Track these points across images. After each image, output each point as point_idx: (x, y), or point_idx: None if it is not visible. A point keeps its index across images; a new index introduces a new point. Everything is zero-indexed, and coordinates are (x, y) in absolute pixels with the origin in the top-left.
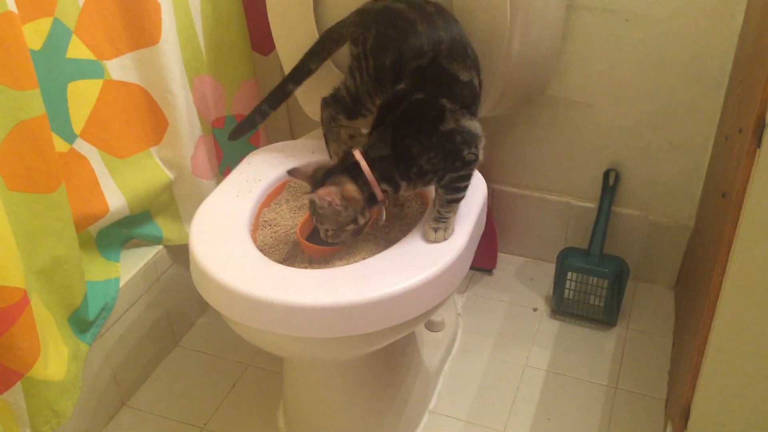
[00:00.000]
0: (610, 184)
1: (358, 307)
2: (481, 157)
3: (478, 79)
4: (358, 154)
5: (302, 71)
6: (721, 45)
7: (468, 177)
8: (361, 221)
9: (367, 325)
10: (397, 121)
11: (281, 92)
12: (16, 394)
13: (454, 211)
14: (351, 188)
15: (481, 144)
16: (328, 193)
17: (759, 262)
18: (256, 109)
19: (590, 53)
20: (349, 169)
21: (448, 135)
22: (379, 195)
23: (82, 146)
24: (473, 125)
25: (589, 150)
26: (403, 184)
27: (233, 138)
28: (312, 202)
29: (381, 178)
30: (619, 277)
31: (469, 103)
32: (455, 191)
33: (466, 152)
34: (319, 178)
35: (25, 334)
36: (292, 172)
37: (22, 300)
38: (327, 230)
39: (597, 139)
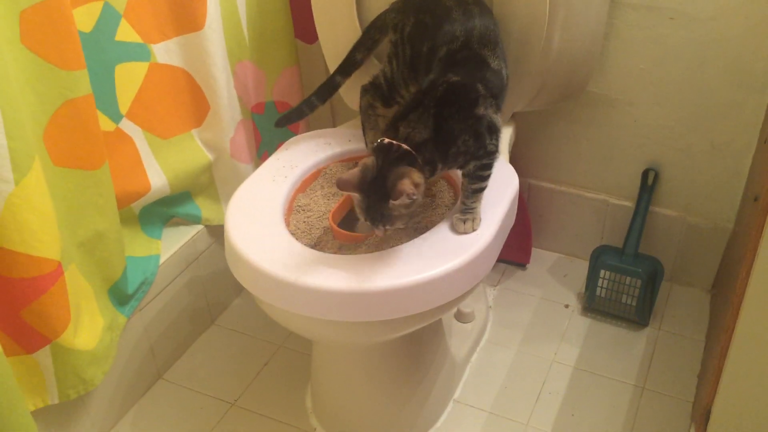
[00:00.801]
0: (649, 184)
1: (384, 293)
2: (506, 155)
3: (506, 71)
4: (402, 144)
5: (350, 63)
6: (766, 48)
7: (490, 166)
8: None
9: (392, 312)
10: (438, 103)
11: (330, 85)
12: (44, 356)
13: (479, 201)
14: (416, 174)
15: (500, 137)
16: (407, 187)
17: None
18: (305, 100)
19: (632, 51)
20: (402, 159)
21: (479, 120)
22: (425, 177)
23: (127, 126)
24: (496, 117)
25: (629, 148)
26: (440, 165)
27: (279, 125)
28: (383, 208)
29: (423, 162)
30: (653, 277)
31: (497, 93)
32: (479, 180)
33: (488, 141)
34: (371, 183)
35: (56, 303)
36: (340, 185)
37: (55, 271)
38: (396, 227)
39: (637, 137)
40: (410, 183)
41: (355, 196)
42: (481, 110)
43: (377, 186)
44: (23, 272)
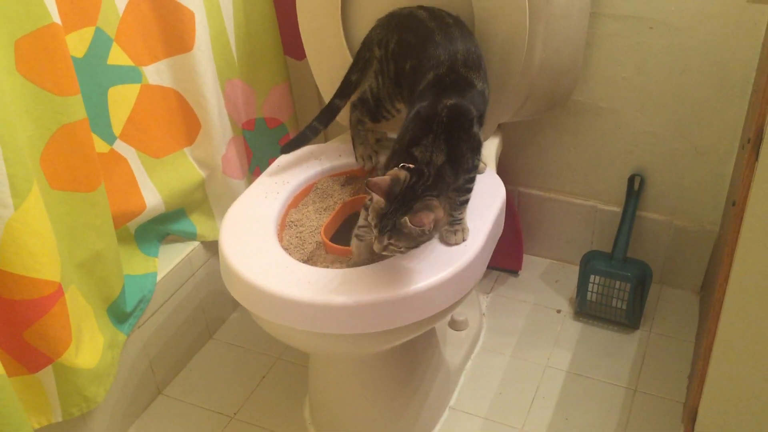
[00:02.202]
0: (635, 189)
1: (377, 305)
2: (494, 166)
3: (488, 90)
4: (429, 170)
5: (346, 85)
6: (745, 53)
7: (474, 179)
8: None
9: (385, 323)
10: (446, 127)
11: (330, 109)
12: (47, 375)
13: (465, 212)
14: (441, 211)
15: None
16: (426, 218)
17: (759, 270)
18: (308, 126)
19: (615, 60)
20: (432, 187)
21: (473, 138)
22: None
23: (121, 147)
24: (481, 134)
25: (615, 155)
26: (451, 186)
27: (284, 152)
28: (397, 222)
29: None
30: (642, 280)
31: (482, 112)
32: (467, 192)
33: (474, 157)
34: (399, 196)
35: (57, 324)
36: (370, 186)
37: (56, 292)
38: (400, 248)
39: (622, 144)
40: (432, 217)
41: (378, 199)
42: (475, 129)
43: (403, 201)
44: (25, 294)
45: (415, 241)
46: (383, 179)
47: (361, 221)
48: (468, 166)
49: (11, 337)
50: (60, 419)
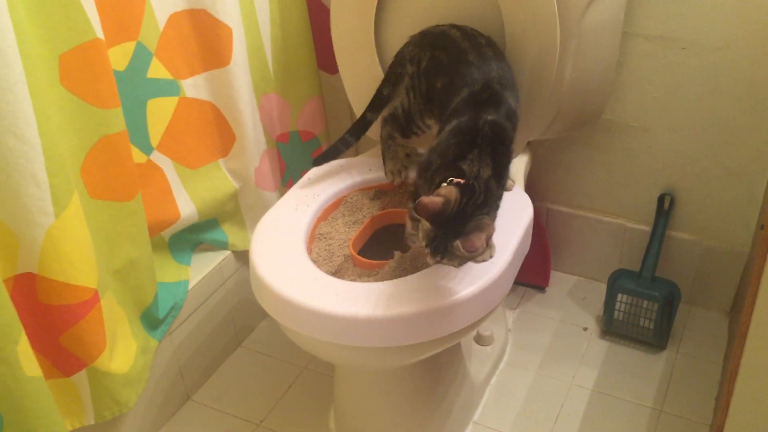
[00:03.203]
0: (665, 208)
1: (403, 319)
2: (522, 183)
3: (519, 111)
4: (480, 186)
5: (378, 99)
6: None
7: (502, 197)
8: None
9: (410, 337)
10: (490, 141)
11: (362, 123)
12: (81, 379)
13: None
14: (493, 228)
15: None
16: (479, 240)
17: None
18: (340, 139)
19: (646, 79)
20: (484, 204)
21: (509, 155)
22: None
23: (158, 158)
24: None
25: (645, 173)
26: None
27: (317, 164)
28: (451, 246)
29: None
30: (670, 300)
31: (514, 129)
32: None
33: (506, 176)
34: (449, 218)
35: (92, 329)
36: (419, 209)
37: (92, 299)
38: (452, 264)
39: (652, 163)
40: (484, 238)
41: (425, 224)
42: (510, 146)
43: (454, 223)
44: (62, 300)
45: (467, 259)
46: (434, 201)
47: (408, 229)
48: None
49: (48, 341)
50: (93, 422)
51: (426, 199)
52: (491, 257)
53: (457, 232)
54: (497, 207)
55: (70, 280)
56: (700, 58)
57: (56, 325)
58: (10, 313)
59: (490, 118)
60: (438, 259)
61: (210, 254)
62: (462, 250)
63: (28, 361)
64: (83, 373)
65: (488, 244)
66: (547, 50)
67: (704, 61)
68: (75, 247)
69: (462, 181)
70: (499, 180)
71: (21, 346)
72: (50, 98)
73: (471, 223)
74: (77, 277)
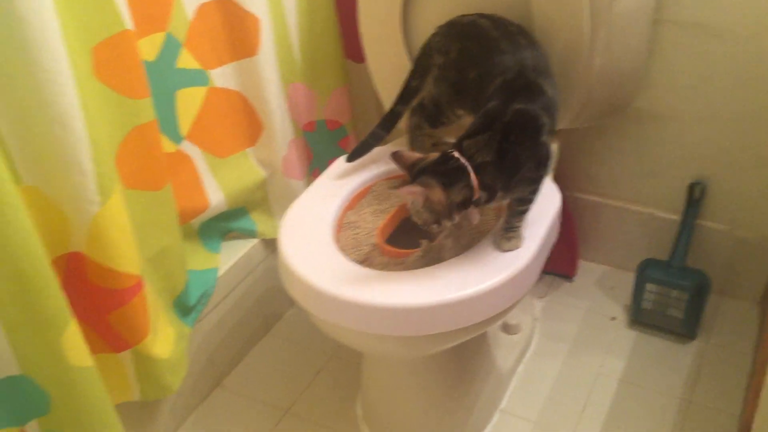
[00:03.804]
0: (695, 198)
1: (430, 308)
2: (550, 173)
3: (557, 97)
4: (462, 159)
5: (407, 91)
6: None
7: (539, 190)
8: (446, 224)
9: (437, 326)
10: (506, 128)
11: (392, 115)
12: (127, 358)
13: (523, 221)
14: (435, 192)
15: (552, 163)
16: (411, 193)
17: None
18: (371, 133)
19: (677, 67)
20: (446, 172)
21: (543, 147)
22: (477, 196)
23: (187, 147)
24: (551, 144)
25: (675, 162)
26: (500, 194)
27: (350, 160)
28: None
29: (481, 185)
30: (700, 290)
31: (552, 119)
32: (528, 203)
33: (543, 167)
34: (414, 172)
35: (137, 314)
36: (395, 156)
37: (137, 285)
38: (417, 222)
39: (683, 152)
40: (421, 194)
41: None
42: (544, 138)
43: (413, 176)
44: (108, 283)
45: (421, 218)
46: (411, 154)
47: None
48: (532, 176)
49: (97, 317)
50: (138, 399)
51: (405, 153)
52: (517, 248)
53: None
54: (528, 201)
55: (116, 266)
56: (732, 46)
57: (105, 304)
58: (59, 303)
59: (519, 107)
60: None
61: (239, 242)
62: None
63: (74, 350)
64: (128, 352)
65: (430, 203)
66: (577, 39)
67: (736, 49)
68: (120, 235)
69: (453, 152)
70: (508, 171)
71: (67, 335)
72: (86, 90)
73: (420, 177)
74: (123, 264)
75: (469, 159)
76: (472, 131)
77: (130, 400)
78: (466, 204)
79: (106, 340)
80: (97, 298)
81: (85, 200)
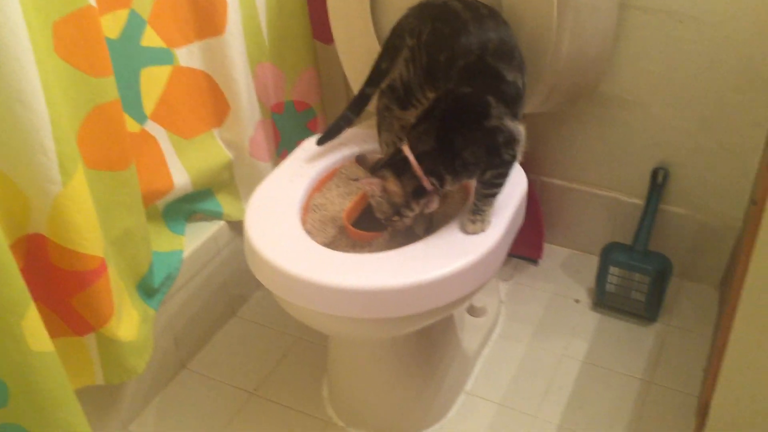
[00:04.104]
0: (659, 182)
1: (396, 291)
2: (519, 158)
3: (522, 81)
4: (406, 149)
5: (376, 73)
6: None
7: (506, 174)
8: (407, 213)
9: (402, 309)
10: (443, 114)
11: (361, 98)
12: (91, 341)
13: (491, 205)
14: (390, 183)
15: (520, 146)
16: (369, 184)
17: None
18: (341, 116)
19: (643, 53)
20: (397, 164)
21: (490, 132)
22: (428, 186)
23: (151, 127)
24: (514, 126)
25: (640, 148)
26: (449, 178)
27: (321, 143)
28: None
29: (427, 172)
30: (661, 273)
31: (513, 103)
32: (492, 186)
33: (504, 152)
34: (374, 168)
35: (101, 296)
36: (360, 160)
37: (99, 267)
38: (380, 217)
39: (647, 137)
40: (378, 185)
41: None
42: (492, 122)
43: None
44: (71, 265)
45: (381, 212)
46: (374, 156)
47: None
48: (476, 160)
49: (60, 300)
50: (102, 382)
51: (369, 156)
52: (482, 231)
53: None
54: (492, 185)
55: (79, 248)
56: (698, 33)
57: (67, 287)
58: (18, 287)
59: (463, 91)
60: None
61: (204, 224)
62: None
63: (34, 336)
64: (92, 336)
65: (387, 193)
66: (545, 23)
67: (702, 35)
68: (83, 216)
69: (405, 147)
70: (450, 155)
71: (27, 321)
72: (47, 67)
73: (377, 172)
74: (85, 246)
75: (413, 148)
76: (420, 119)
77: (94, 383)
78: (419, 192)
79: (69, 324)
80: (60, 280)
81: (47, 180)
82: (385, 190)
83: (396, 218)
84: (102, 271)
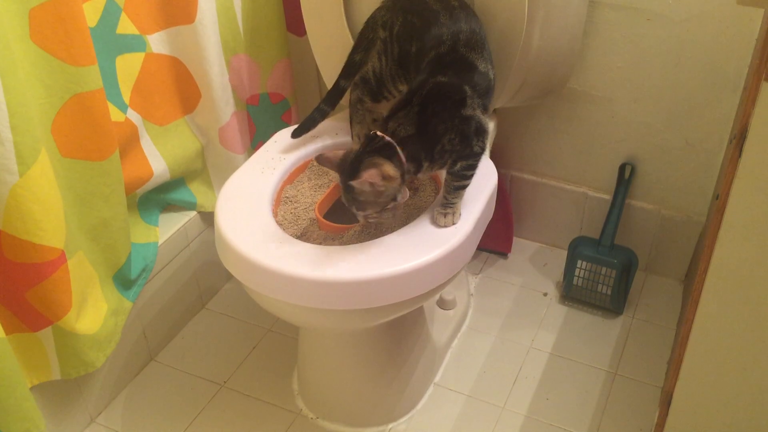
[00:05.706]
0: (625, 178)
1: (366, 282)
2: (487, 151)
3: (493, 72)
4: (386, 136)
5: (350, 66)
6: (738, 49)
7: (475, 166)
8: (399, 199)
9: (372, 300)
10: (423, 101)
11: (336, 90)
12: (46, 336)
13: (461, 197)
14: (389, 167)
15: (487, 138)
16: (371, 176)
17: (737, 263)
18: (316, 108)
19: (611, 49)
20: (381, 150)
21: (466, 120)
22: (408, 171)
23: (132, 115)
24: (483, 119)
25: (607, 143)
26: (426, 164)
27: (296, 136)
28: (350, 190)
29: (407, 158)
30: (627, 267)
31: (484, 94)
32: (462, 178)
33: (475, 142)
34: (348, 165)
35: (58, 289)
36: (320, 160)
37: (58, 259)
38: (369, 215)
39: (615, 133)
40: (378, 174)
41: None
42: (468, 111)
43: (352, 170)
44: (26, 258)
45: (378, 204)
46: (335, 154)
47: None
48: (459, 149)
49: (13, 295)
50: (59, 377)
51: (326, 153)
52: (454, 224)
53: (353, 174)
54: (462, 176)
55: (35, 239)
56: (665, 30)
57: (22, 281)
58: None
59: (441, 79)
60: (354, 209)
61: (175, 215)
62: (355, 186)
63: None
64: (48, 330)
65: (388, 180)
66: (515, 18)
67: (668, 33)
68: (41, 206)
69: (381, 134)
70: (430, 143)
71: None
72: (19, 54)
73: (363, 164)
74: (42, 237)
75: (392, 135)
76: (395, 109)
77: (50, 379)
78: (403, 177)
79: (23, 319)
80: (14, 275)
81: (2, 170)
82: (384, 176)
83: (391, 205)
84: (60, 263)
